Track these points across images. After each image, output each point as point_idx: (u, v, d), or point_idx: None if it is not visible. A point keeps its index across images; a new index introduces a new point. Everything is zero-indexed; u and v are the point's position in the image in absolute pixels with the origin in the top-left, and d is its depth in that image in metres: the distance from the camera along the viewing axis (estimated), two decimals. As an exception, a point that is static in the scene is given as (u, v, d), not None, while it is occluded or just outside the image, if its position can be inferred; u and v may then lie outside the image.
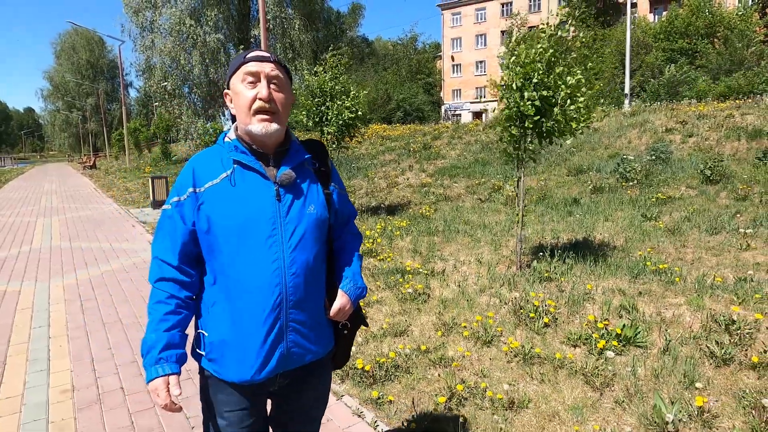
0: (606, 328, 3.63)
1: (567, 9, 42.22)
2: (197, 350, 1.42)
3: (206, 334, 1.38)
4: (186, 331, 1.39)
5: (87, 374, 3.45)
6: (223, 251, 1.33)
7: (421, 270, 5.52)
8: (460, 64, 56.42)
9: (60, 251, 7.60)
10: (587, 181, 10.02)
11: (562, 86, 4.94)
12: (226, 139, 1.42)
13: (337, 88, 8.38)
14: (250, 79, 1.33)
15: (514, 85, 5.15)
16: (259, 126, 1.32)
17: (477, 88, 53.87)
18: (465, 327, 3.91)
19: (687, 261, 5.58)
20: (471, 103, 54.09)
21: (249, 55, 1.36)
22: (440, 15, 58.29)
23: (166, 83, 30.59)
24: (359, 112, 8.47)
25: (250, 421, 1.43)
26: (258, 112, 1.33)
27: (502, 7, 53.61)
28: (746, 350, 3.29)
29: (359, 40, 64.20)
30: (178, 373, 1.34)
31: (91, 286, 5.65)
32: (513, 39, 5.46)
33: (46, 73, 63.83)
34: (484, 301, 4.55)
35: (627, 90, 16.43)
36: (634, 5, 46.75)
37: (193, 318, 1.44)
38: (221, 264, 1.34)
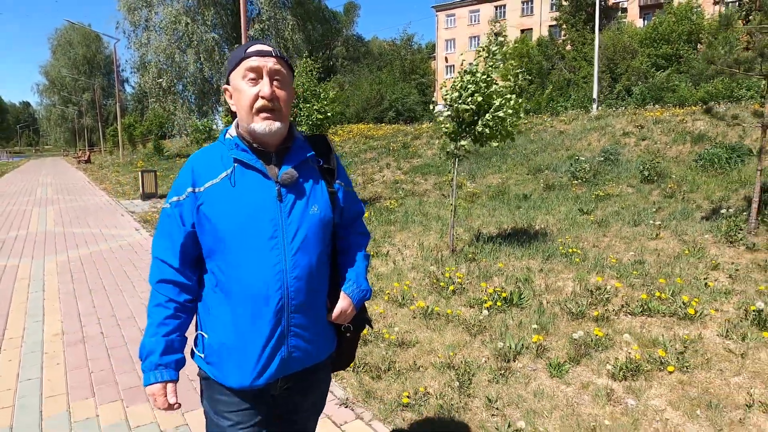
0: (498, 294, 4.48)
1: (558, 13, 43.12)
2: (196, 352, 1.40)
3: (206, 336, 1.36)
4: (185, 334, 1.38)
5: (74, 324, 4.29)
6: (223, 253, 1.29)
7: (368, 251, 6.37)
8: (453, 65, 57.20)
9: (54, 235, 8.41)
10: (542, 180, 10.89)
11: (495, 97, 5.76)
12: (227, 135, 1.37)
13: (308, 91, 9.21)
14: (252, 75, 1.28)
15: (455, 93, 5.97)
16: (263, 125, 1.28)
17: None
18: (388, 294, 4.76)
19: (601, 247, 6.45)
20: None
21: (250, 50, 1.30)
22: (435, 16, 59.05)
23: (161, 80, 31.31)
24: (328, 114, 9.31)
25: (255, 420, 1.39)
26: (261, 110, 1.28)
27: (496, 9, 54.37)
28: (597, 309, 4.15)
29: (354, 39, 64.96)
30: (176, 380, 1.33)
31: (80, 262, 6.47)
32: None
33: (42, 67, 64.32)
34: (412, 276, 5.40)
35: (595, 95, 17.30)
36: (624, 10, 47.66)
37: (194, 318, 1.42)
38: (221, 266, 1.30)
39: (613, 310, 4.14)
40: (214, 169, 1.32)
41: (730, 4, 38.98)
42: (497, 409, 2.84)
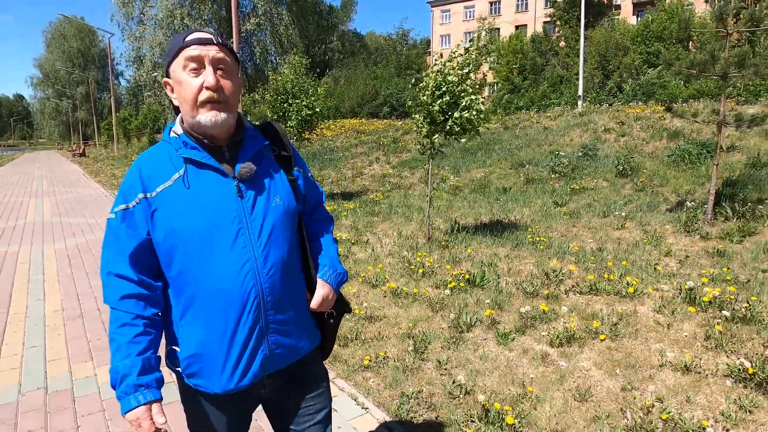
0: (462, 276, 4.89)
1: (552, 10, 43.44)
2: (174, 368, 1.32)
3: (179, 349, 1.29)
4: (158, 352, 1.28)
5: (73, 302, 4.67)
6: (186, 260, 1.22)
7: (349, 239, 6.77)
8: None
9: (51, 224, 8.76)
10: (523, 174, 11.31)
11: (464, 96, 6.15)
12: (172, 133, 1.29)
13: (297, 87, 9.57)
14: (193, 65, 1.20)
15: (428, 91, 6.36)
16: (208, 116, 1.20)
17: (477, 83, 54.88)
18: (363, 276, 5.17)
19: (568, 236, 6.87)
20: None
21: (189, 38, 1.22)
22: (430, 12, 59.22)
23: (155, 74, 31.53)
24: (317, 109, 9.68)
25: (237, 427, 1.38)
26: (205, 102, 1.20)
27: (491, 5, 54.58)
28: (549, 288, 4.57)
29: (351, 34, 65.11)
30: (161, 399, 1.23)
31: (77, 249, 6.85)
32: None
33: (36, 60, 64.23)
34: (388, 261, 5.82)
35: (580, 92, 17.72)
36: (617, 7, 47.97)
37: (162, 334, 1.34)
38: (185, 274, 1.23)
39: (564, 289, 4.57)
40: (165, 171, 1.24)
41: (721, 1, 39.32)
42: (446, 369, 3.25)
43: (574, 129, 14.47)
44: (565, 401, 2.84)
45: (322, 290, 1.40)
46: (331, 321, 1.50)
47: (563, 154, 11.63)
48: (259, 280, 1.24)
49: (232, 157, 1.28)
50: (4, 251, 6.77)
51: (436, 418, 2.74)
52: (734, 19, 6.10)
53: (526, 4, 51.78)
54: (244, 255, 1.23)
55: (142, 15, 31.59)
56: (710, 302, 3.96)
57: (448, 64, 6.18)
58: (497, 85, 41.16)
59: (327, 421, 1.49)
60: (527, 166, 11.94)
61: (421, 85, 6.30)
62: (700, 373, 3.06)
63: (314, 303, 1.39)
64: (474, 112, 6.16)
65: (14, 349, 3.65)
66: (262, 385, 1.35)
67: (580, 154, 11.72)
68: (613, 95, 29.58)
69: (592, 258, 5.54)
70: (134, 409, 1.17)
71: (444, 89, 6.18)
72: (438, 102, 6.09)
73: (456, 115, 6.22)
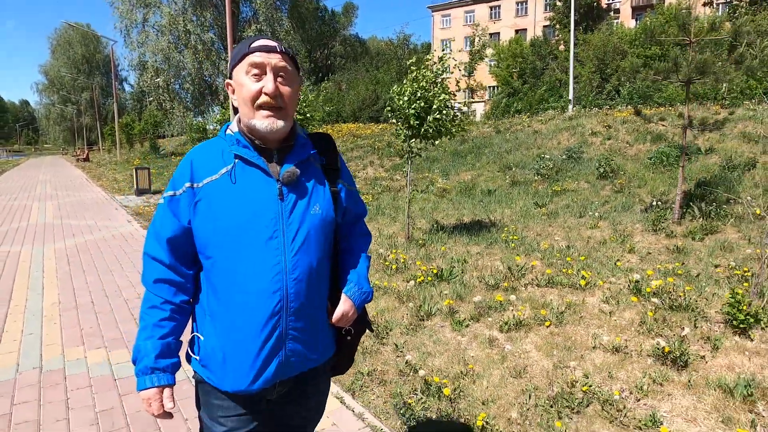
0: (431, 272, 5.24)
1: (552, 14, 43.80)
2: (191, 354, 1.36)
3: (202, 338, 1.33)
4: (180, 338, 1.34)
5: (69, 296, 5.05)
6: (221, 253, 1.26)
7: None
8: (449, 65, 57.60)
9: (52, 226, 9.16)
10: (510, 177, 11.64)
11: (435, 101, 6.51)
12: (228, 131, 1.35)
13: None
14: (255, 71, 1.26)
15: (405, 97, 6.72)
16: (265, 123, 1.26)
17: (464, 89, 55.25)
18: (340, 272, 5.52)
19: (542, 235, 7.20)
20: (467, 102, 55.64)
21: (254, 45, 1.27)
22: (431, 16, 59.67)
23: (158, 80, 32.05)
24: (308, 115, 10.05)
25: (250, 427, 1.37)
26: (262, 107, 1.26)
27: (491, 9, 54.95)
28: (510, 281, 4.91)
29: (353, 39, 65.73)
30: (173, 385, 1.30)
31: (76, 249, 7.23)
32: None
33: (41, 67, 65.06)
34: (366, 258, 6.16)
35: (570, 96, 18.05)
36: (617, 11, 48.28)
37: (190, 319, 1.39)
38: (217, 266, 1.27)
39: (524, 283, 4.91)
40: (214, 165, 1.29)
41: (720, 5, 39.59)
42: (401, 351, 3.60)
43: (562, 132, 14.80)
44: (502, 377, 3.18)
45: (343, 306, 1.41)
46: (348, 338, 1.49)
47: (548, 157, 11.96)
48: (286, 284, 1.26)
49: (279, 160, 1.32)
50: (7, 251, 7.16)
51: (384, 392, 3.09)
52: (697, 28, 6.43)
53: (526, 8, 52.09)
54: (275, 257, 1.25)
55: (145, 22, 32.15)
56: (653, 293, 4.29)
57: (423, 71, 6.54)
58: (497, 88, 41.57)
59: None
60: (514, 168, 12.28)
61: (396, 90, 6.67)
62: (627, 353, 3.39)
63: (334, 317, 1.40)
64: (446, 114, 6.51)
65: (13, 336, 4.02)
66: (272, 391, 1.36)
67: (565, 157, 12.05)
68: (611, 98, 29.89)
69: (558, 255, 5.87)
70: (148, 389, 1.26)
71: (419, 95, 6.54)
72: (413, 107, 6.45)
73: (429, 118, 6.58)
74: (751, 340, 3.48)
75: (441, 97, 6.42)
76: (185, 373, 3.22)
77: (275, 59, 1.27)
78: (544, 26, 48.38)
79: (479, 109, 47.02)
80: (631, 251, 6.06)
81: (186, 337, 1.38)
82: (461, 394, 2.99)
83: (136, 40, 31.94)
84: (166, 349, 1.28)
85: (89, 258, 6.65)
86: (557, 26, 43.19)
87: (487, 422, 2.65)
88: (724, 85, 17.20)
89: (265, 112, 1.26)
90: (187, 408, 2.82)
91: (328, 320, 1.41)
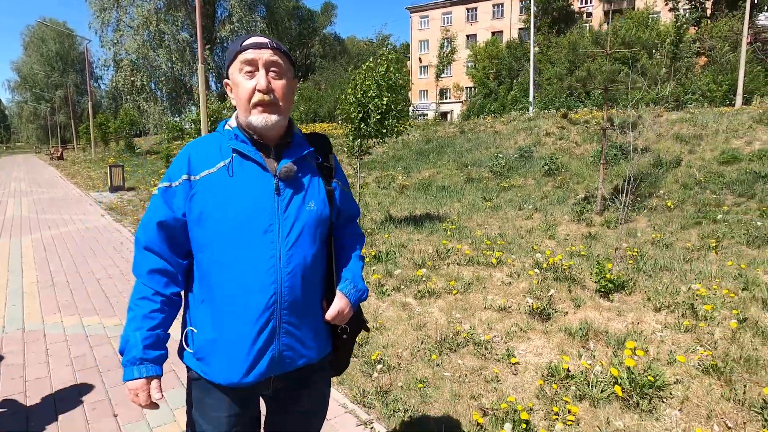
0: (371, 254, 5.99)
1: (525, 17, 45.04)
2: (185, 347, 1.37)
3: (195, 331, 1.34)
4: (169, 330, 1.34)
5: (46, 276, 5.67)
6: (216, 245, 1.27)
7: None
8: (427, 66, 58.66)
9: (29, 220, 9.67)
10: (465, 174, 12.51)
11: (377, 102, 7.28)
12: (227, 126, 1.38)
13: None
14: (248, 68, 1.29)
15: (351, 99, 7.47)
16: (260, 118, 1.29)
17: (442, 89, 56.24)
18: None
19: (482, 225, 8.03)
20: (436, 103, 56.63)
21: (246, 43, 1.30)
22: (409, 17, 60.49)
23: (133, 79, 32.22)
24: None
25: (238, 427, 1.38)
26: (258, 104, 1.28)
27: (468, 12, 55.99)
28: (435, 261, 5.70)
29: (331, 38, 66.24)
30: (161, 375, 1.31)
31: (52, 239, 7.80)
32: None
33: (14, 63, 64.06)
34: (318, 245, 6.89)
35: (531, 98, 19.04)
36: (589, 14, 49.77)
37: (182, 313, 1.39)
38: (212, 258, 1.29)
39: (447, 262, 5.71)
40: (212, 159, 1.31)
41: (684, 10, 41.21)
42: (329, 314, 4.34)
43: (520, 133, 15.76)
44: (405, 330, 3.95)
45: (339, 302, 1.42)
46: (344, 337, 1.50)
47: (501, 155, 12.86)
48: (280, 277, 1.28)
49: (277, 156, 1.35)
50: (-15, 241, 7.69)
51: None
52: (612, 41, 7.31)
53: (503, 10, 53.19)
54: (270, 250, 1.27)
55: (119, 21, 32.27)
56: (548, 268, 5.13)
57: (367, 81, 7.30)
58: (474, 89, 42.65)
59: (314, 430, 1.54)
60: (470, 166, 13.16)
61: (343, 98, 7.42)
62: (509, 311, 4.20)
63: (329, 314, 1.40)
64: (391, 116, 7.28)
65: (-2, 308, 4.65)
66: (267, 387, 1.38)
67: (517, 155, 12.97)
68: (582, 101, 31.16)
69: (487, 242, 6.69)
70: (135, 380, 1.27)
71: (363, 100, 7.31)
72: (357, 111, 7.22)
73: (371, 121, 7.35)
74: (611, 301, 4.33)
75: (384, 101, 7.18)
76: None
77: (267, 54, 1.29)
78: (520, 28, 49.58)
79: (456, 109, 48.08)
80: (551, 237, 6.92)
81: (176, 331, 1.41)
82: (368, 341, 3.74)
83: (111, 39, 32.06)
84: (155, 340, 1.29)
85: (64, 246, 7.24)
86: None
87: (381, 358, 3.41)
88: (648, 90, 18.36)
89: (260, 108, 1.29)
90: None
91: (323, 318, 1.42)
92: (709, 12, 40.59)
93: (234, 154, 1.31)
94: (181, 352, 1.40)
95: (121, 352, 1.29)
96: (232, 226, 1.26)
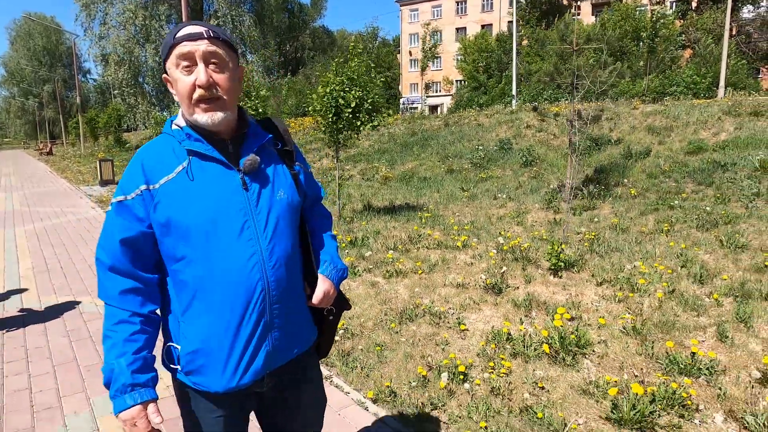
0: (347, 240, 6.40)
1: (511, 10, 45.29)
2: (170, 365, 1.30)
3: (179, 347, 1.26)
4: (153, 352, 1.26)
5: (41, 263, 6.03)
6: (191, 253, 1.20)
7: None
8: (417, 59, 58.83)
9: (21, 213, 9.98)
10: (447, 166, 12.93)
11: (348, 96, 7.64)
12: (174, 126, 1.27)
13: (244, 89, 10.95)
14: (185, 63, 1.18)
15: (321, 92, 7.81)
16: (204, 117, 1.20)
17: (433, 82, 56.47)
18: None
19: (458, 214, 8.45)
20: (423, 97, 56.86)
21: (179, 34, 1.19)
22: (399, 11, 60.58)
23: (120, 73, 32.21)
24: (259, 110, 11.07)
25: (233, 427, 1.35)
26: (200, 101, 1.19)
27: (457, 5, 56.19)
28: (406, 245, 6.12)
29: (321, 31, 66.25)
30: (157, 399, 1.23)
31: (44, 229, 8.14)
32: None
33: (0, 58, 63.48)
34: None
35: (514, 91, 19.47)
36: (578, 7, 50.19)
37: (160, 332, 1.30)
38: (189, 267, 1.21)
39: (417, 246, 6.13)
40: (168, 163, 1.23)
41: (669, 2, 41.61)
42: (304, 292, 4.75)
43: (501, 125, 16.19)
44: (371, 305, 4.37)
45: (323, 285, 1.41)
46: (330, 318, 1.50)
47: (481, 147, 13.29)
48: (265, 273, 1.24)
49: (235, 150, 1.28)
50: (-20, 232, 8.01)
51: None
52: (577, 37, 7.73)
53: (492, 3, 53.46)
54: (250, 247, 1.22)
55: (105, 15, 32.19)
56: (507, 250, 5.57)
57: (337, 80, 7.67)
58: (464, 82, 42.99)
59: (318, 423, 1.54)
60: (452, 158, 13.58)
61: (313, 96, 7.80)
62: (466, 287, 4.64)
63: (315, 298, 1.40)
64: (364, 109, 7.65)
65: (-3, 290, 5.02)
66: (261, 384, 1.34)
67: (497, 147, 13.40)
68: (569, 93, 31.56)
69: (455, 227, 7.13)
70: (129, 408, 1.17)
71: (333, 94, 7.66)
72: (327, 105, 7.59)
73: (345, 114, 7.71)
74: (560, 278, 4.78)
75: (355, 95, 7.54)
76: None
77: (203, 45, 1.19)
78: (509, 21, 49.90)
79: (446, 102, 48.39)
80: (519, 224, 7.36)
81: (158, 351, 1.31)
82: (337, 314, 4.16)
83: (97, 35, 32.01)
84: (143, 363, 1.21)
85: (57, 236, 7.58)
86: (520, 22, 44.77)
87: (346, 328, 3.83)
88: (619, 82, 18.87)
89: (204, 106, 1.20)
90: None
91: (308, 303, 1.41)
92: (694, 5, 41.22)
93: (191, 156, 1.24)
94: (166, 366, 1.33)
95: (107, 385, 1.19)
96: (206, 231, 1.20)
